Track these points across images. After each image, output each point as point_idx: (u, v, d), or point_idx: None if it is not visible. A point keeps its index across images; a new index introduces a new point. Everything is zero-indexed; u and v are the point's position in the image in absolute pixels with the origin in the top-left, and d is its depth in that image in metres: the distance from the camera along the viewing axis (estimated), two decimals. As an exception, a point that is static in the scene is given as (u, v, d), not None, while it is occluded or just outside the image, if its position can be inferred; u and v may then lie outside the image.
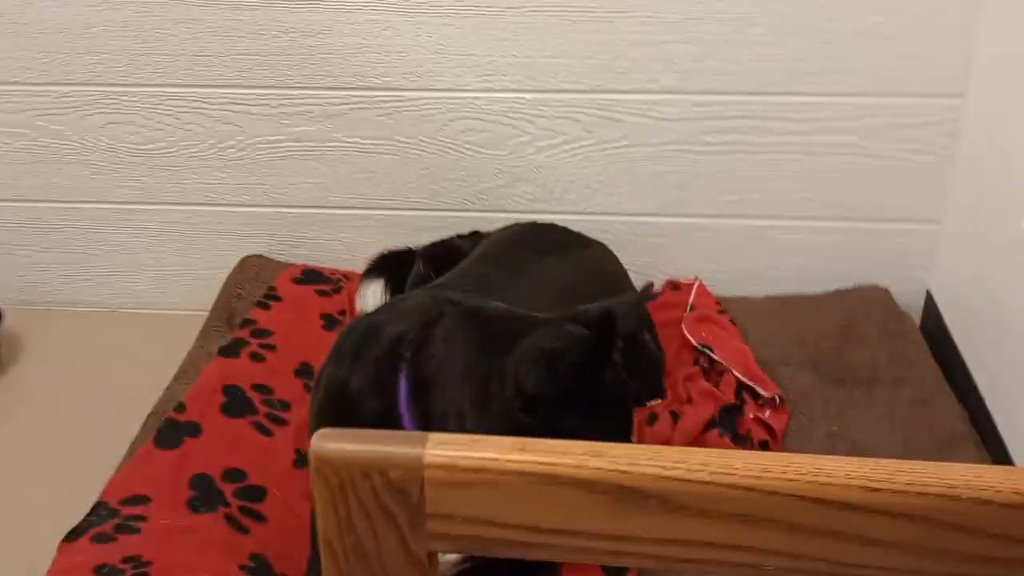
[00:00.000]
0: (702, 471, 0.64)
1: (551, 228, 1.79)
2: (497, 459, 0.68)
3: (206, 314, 1.99)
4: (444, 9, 1.78)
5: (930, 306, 1.95)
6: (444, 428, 1.13)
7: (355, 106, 1.88)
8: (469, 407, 1.16)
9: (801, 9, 1.74)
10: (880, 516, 0.64)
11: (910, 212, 1.91)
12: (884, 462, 0.65)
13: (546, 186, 1.94)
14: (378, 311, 1.43)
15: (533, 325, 1.19)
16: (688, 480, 0.64)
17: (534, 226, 1.80)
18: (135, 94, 1.91)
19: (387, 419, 1.21)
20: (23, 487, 1.68)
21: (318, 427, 1.31)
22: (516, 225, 1.82)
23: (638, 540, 0.68)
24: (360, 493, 0.70)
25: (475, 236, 1.87)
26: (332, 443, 0.70)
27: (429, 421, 1.17)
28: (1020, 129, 1.59)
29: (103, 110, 1.94)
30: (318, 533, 0.73)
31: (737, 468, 0.64)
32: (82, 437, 1.79)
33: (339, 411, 1.29)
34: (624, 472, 0.66)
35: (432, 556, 0.72)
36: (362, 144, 1.92)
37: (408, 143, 1.91)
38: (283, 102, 1.89)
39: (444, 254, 1.80)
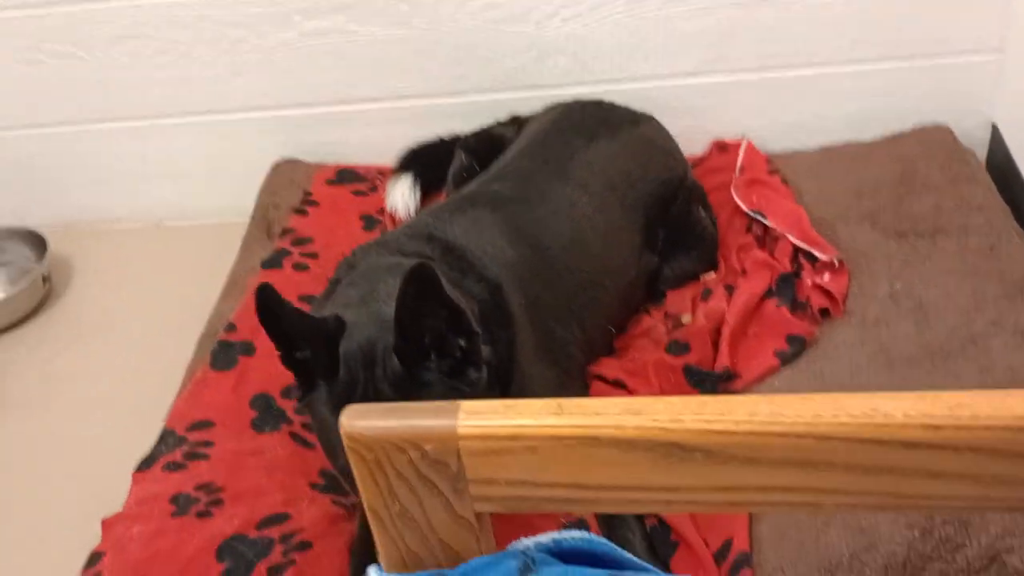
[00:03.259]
0: (749, 422, 0.60)
1: (597, 106, 1.69)
2: (532, 424, 0.65)
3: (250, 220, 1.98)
4: None
5: (996, 142, 1.84)
6: None
7: (365, -6, 1.79)
8: None
9: None
10: (944, 451, 0.59)
11: (970, 42, 1.77)
12: (944, 396, 0.60)
13: (578, 57, 1.84)
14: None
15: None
16: (734, 432, 0.60)
17: (579, 106, 1.69)
18: (139, 5, 1.84)
19: None
20: (89, 414, 1.73)
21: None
22: (559, 107, 1.72)
23: (687, 490, 0.65)
24: (398, 466, 0.68)
25: (516, 122, 1.78)
26: (361, 420, 0.68)
27: None
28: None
29: (110, 26, 1.87)
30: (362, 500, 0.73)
31: (786, 416, 0.60)
32: (142, 359, 1.82)
33: None
34: (666, 429, 0.63)
35: (480, 515, 0.71)
36: (380, 33, 1.83)
37: (427, 27, 1.82)
38: (291, -3, 1.80)
39: (485, 144, 1.73)
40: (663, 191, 1.59)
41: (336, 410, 1.00)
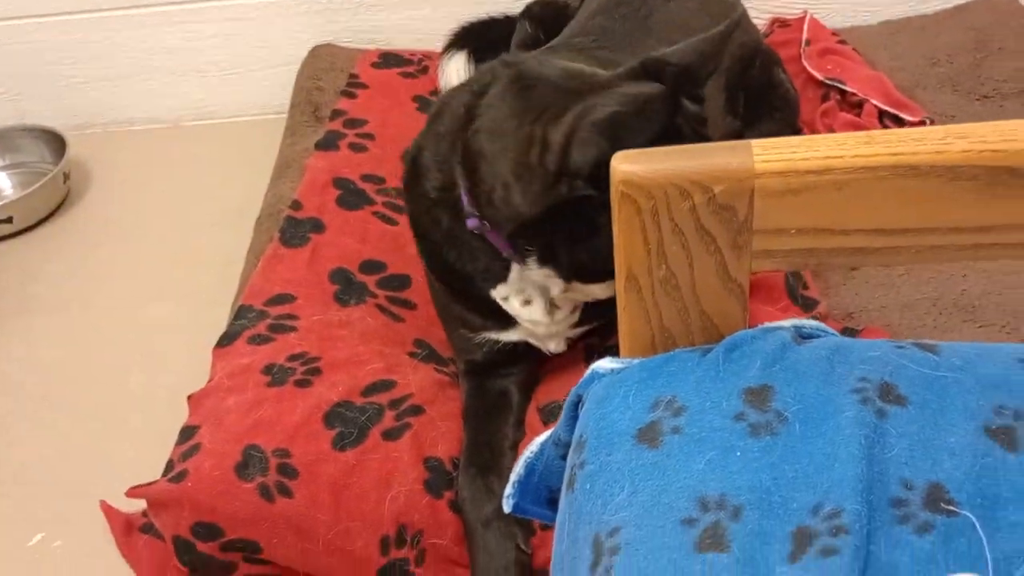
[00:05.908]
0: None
1: None
2: (842, 156, 0.59)
3: (272, 118, 1.89)
4: None
5: (1058, 12, 1.81)
6: (490, 205, 1.00)
7: None
8: (513, 180, 0.98)
9: None
10: None
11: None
12: None
13: (633, -74, 1.75)
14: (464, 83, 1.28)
15: (593, 86, 0.98)
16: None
17: None
18: None
19: (447, 192, 1.09)
20: (138, 307, 1.62)
21: (406, 199, 1.19)
22: None
23: (1006, 229, 0.59)
24: (676, 216, 0.61)
25: (578, -11, 1.70)
26: (642, 164, 0.60)
27: (478, 197, 1.02)
28: None
29: None
30: (616, 269, 0.65)
31: None
32: (173, 253, 1.72)
33: (413, 183, 1.15)
34: (997, 151, 0.57)
35: (749, 281, 0.65)
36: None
37: None
38: None
39: (550, 12, 1.63)
40: (742, 52, 1.51)
41: None
